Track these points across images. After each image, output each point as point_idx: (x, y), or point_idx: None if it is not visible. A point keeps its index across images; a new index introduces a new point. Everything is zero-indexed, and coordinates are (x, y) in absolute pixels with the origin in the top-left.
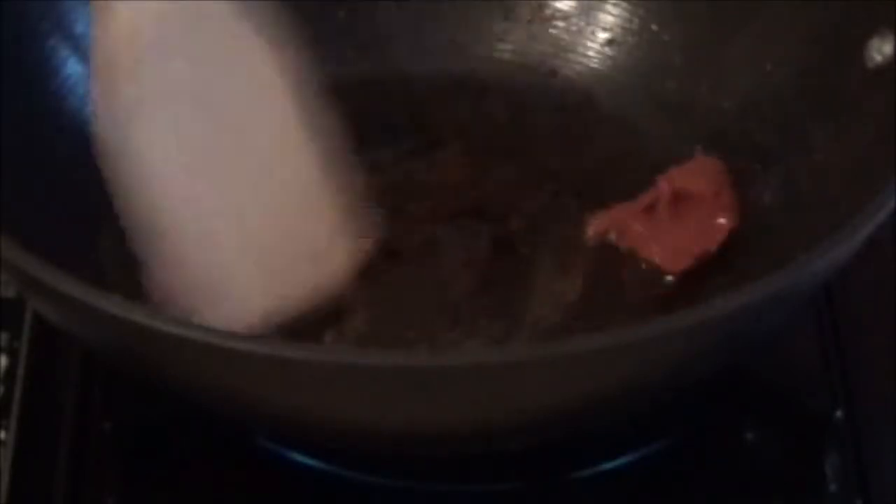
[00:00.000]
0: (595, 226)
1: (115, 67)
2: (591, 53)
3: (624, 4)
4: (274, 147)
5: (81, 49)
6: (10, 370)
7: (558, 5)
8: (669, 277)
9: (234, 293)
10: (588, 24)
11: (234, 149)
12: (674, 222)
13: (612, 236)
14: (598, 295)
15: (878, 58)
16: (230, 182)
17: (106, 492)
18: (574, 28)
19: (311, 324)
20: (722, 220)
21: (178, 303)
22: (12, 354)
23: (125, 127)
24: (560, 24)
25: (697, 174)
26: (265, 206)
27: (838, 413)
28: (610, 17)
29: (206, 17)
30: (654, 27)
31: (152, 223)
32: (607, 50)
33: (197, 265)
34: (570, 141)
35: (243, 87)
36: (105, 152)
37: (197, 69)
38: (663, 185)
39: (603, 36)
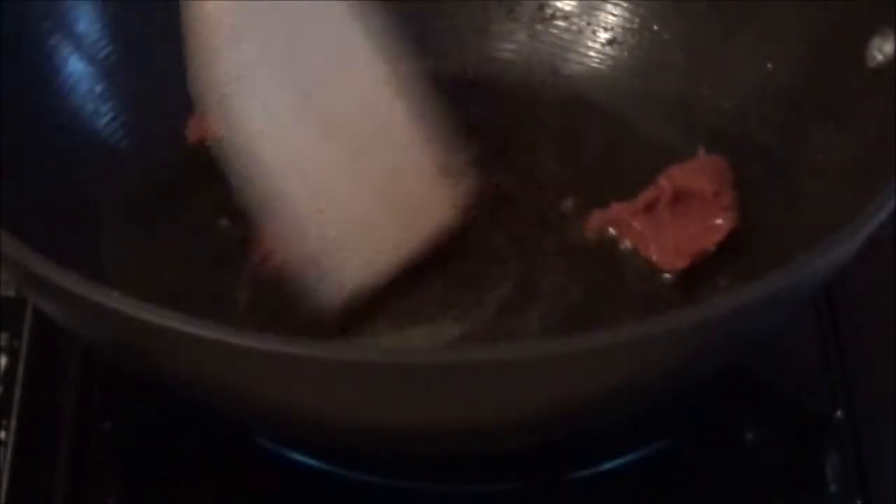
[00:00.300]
0: (595, 224)
1: (208, 46)
2: (591, 53)
3: (625, 4)
4: (367, 107)
5: (83, 48)
6: (10, 370)
7: (559, 5)
8: (668, 276)
9: (343, 246)
10: (589, 23)
11: (330, 110)
12: (673, 221)
13: (613, 234)
14: (598, 294)
15: (879, 57)
16: (329, 143)
17: (106, 492)
18: (575, 27)
19: None
20: (722, 220)
21: (295, 258)
22: (12, 354)
23: (226, 101)
24: (561, 23)
25: (699, 172)
26: (365, 164)
27: (838, 413)
28: (611, 17)
29: None
30: (654, 27)
31: (264, 186)
32: (608, 49)
33: (306, 223)
34: (570, 141)
35: (333, 48)
36: (214, 124)
37: (287, 39)
38: (664, 183)
39: (604, 35)
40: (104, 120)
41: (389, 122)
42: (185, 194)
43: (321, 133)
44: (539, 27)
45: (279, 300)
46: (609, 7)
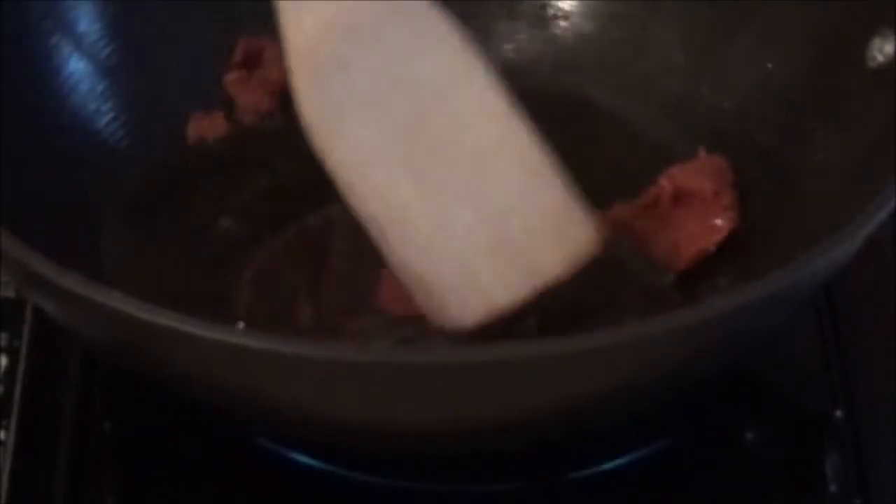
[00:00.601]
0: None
1: (311, 66)
2: (592, 53)
3: (625, 4)
4: (485, 130)
5: (83, 47)
6: (10, 370)
7: (560, 5)
8: (669, 276)
9: (468, 283)
10: (589, 23)
11: (444, 134)
12: (674, 221)
13: (613, 234)
14: (598, 294)
15: (880, 57)
16: (448, 172)
17: (106, 492)
18: (576, 28)
19: None
20: (722, 220)
21: (414, 298)
22: (12, 354)
23: (332, 122)
24: (562, 23)
25: (699, 172)
26: (488, 193)
27: (838, 413)
28: (611, 17)
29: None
30: (655, 26)
31: (374, 216)
32: (608, 49)
33: (427, 259)
34: (570, 141)
35: (442, 70)
36: (317, 148)
37: (394, 59)
38: (665, 183)
39: (604, 35)
40: (104, 120)
41: (511, 152)
42: (185, 194)
43: (428, 164)
44: (540, 27)
45: (279, 300)
46: (609, 7)
